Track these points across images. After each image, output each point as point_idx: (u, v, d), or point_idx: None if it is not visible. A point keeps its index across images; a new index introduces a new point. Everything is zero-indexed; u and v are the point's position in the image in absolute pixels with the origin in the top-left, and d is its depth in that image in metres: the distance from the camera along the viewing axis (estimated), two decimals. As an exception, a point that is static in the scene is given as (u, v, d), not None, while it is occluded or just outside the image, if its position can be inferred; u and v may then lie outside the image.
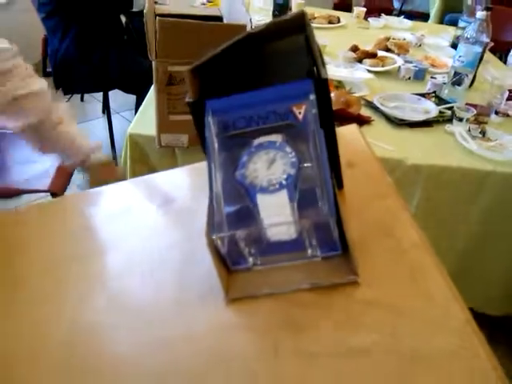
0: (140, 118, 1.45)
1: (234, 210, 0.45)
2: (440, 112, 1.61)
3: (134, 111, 2.62)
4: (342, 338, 0.43)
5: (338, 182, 0.57)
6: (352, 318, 0.45)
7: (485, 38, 1.81)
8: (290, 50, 0.53)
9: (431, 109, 1.61)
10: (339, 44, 2.09)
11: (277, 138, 0.47)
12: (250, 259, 0.49)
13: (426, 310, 0.45)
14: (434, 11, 4.20)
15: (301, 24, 0.51)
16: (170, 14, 1.08)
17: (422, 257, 0.50)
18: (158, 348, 0.45)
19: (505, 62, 2.43)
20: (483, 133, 1.54)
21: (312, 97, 0.46)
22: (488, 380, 0.39)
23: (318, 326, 0.44)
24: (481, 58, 1.86)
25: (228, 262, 0.49)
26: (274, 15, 2.43)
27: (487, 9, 1.89)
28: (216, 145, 0.47)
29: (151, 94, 1.56)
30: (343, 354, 0.42)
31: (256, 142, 0.47)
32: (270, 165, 0.45)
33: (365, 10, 2.63)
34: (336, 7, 3.58)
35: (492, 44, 2.38)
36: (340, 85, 1.71)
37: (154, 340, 0.46)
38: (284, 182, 0.44)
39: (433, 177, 1.36)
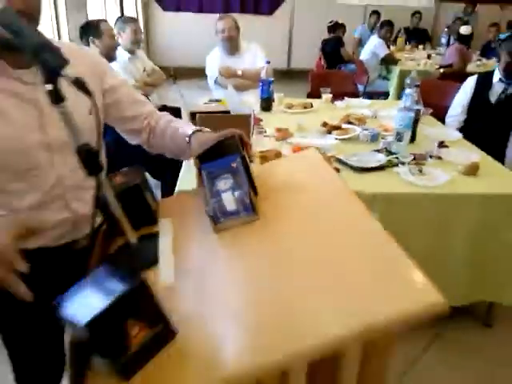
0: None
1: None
2: (389, 160, 2.26)
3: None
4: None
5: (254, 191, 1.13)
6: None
7: (415, 107, 2.51)
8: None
9: (382, 158, 2.26)
10: (313, 122, 2.78)
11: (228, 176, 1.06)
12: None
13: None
14: (392, 90, 5.05)
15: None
16: (201, 111, 1.75)
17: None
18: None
19: (443, 123, 3.14)
20: (420, 171, 2.17)
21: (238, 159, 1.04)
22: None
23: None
24: (416, 121, 2.54)
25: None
26: (261, 108, 3.15)
27: (416, 86, 2.62)
28: (205, 180, 1.04)
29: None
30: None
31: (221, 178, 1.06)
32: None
33: (331, 95, 3.37)
34: (309, 96, 4.37)
35: (431, 110, 3.12)
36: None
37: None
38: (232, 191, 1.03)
39: (385, 200, 1.98)
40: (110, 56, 2.93)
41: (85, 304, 0.65)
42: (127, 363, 0.66)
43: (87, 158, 0.78)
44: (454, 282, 2.14)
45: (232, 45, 3.63)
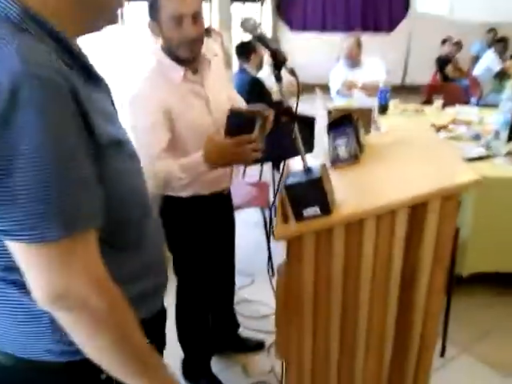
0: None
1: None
2: (487, 153, 2.70)
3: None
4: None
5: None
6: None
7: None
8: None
9: (482, 151, 2.71)
10: (422, 124, 3.28)
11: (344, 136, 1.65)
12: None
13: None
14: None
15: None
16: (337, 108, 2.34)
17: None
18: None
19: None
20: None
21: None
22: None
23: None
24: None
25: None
26: (378, 112, 3.69)
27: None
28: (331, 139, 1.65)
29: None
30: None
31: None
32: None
33: (442, 102, 3.82)
34: (423, 104, 4.80)
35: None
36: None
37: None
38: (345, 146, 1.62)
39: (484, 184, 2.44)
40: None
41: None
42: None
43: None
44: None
45: (353, 60, 4.22)
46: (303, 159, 1.26)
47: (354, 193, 1.33)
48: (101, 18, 0.82)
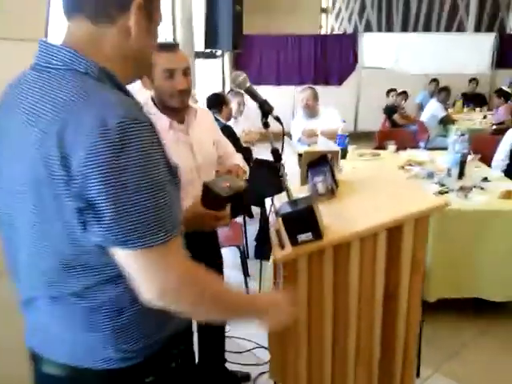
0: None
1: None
2: (440, 189, 2.99)
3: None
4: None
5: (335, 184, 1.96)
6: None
7: (462, 151, 3.25)
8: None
9: (435, 188, 2.99)
10: (380, 166, 3.58)
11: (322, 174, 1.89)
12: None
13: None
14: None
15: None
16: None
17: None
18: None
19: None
20: (465, 196, 2.89)
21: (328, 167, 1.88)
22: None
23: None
24: (463, 162, 3.26)
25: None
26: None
27: (462, 135, 3.37)
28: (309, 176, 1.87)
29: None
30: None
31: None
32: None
33: (395, 147, 4.17)
34: (376, 149, 5.18)
35: (479, 156, 3.82)
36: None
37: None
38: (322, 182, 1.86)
39: (439, 216, 2.70)
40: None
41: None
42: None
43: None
44: (496, 278, 2.78)
45: (311, 111, 4.57)
46: (289, 194, 1.46)
47: (336, 221, 1.53)
48: (143, 73, 1.04)
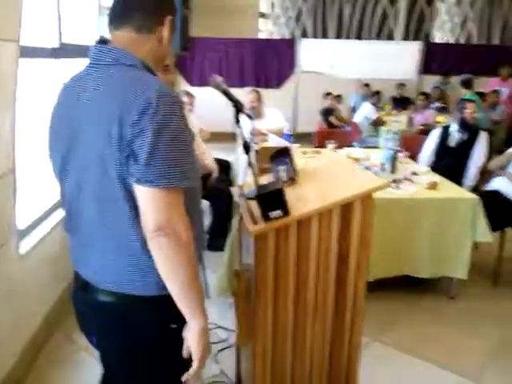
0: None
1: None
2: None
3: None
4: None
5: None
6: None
7: (394, 148, 3.67)
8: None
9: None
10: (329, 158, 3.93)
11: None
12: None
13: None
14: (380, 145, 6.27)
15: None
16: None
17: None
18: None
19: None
20: (397, 187, 3.30)
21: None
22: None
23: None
24: (395, 158, 3.69)
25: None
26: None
27: (395, 133, 3.79)
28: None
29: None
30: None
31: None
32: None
33: (334, 145, 4.57)
34: (316, 147, 5.57)
35: (408, 153, 4.28)
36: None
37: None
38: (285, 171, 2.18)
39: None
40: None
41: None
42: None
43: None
44: (424, 258, 3.21)
45: (257, 112, 4.89)
46: (256, 180, 1.74)
47: (298, 202, 1.83)
48: (157, 69, 1.33)
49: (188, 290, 1.19)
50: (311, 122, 7.83)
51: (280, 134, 4.48)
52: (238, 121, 1.83)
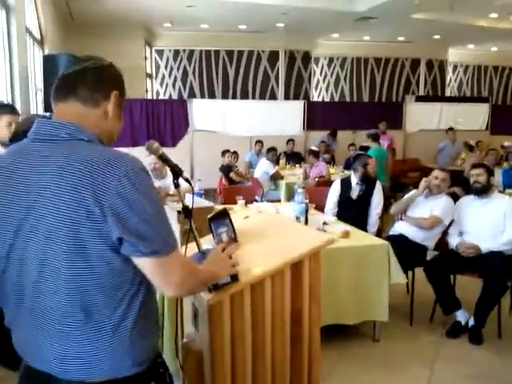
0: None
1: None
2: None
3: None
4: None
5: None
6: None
7: (305, 201, 3.81)
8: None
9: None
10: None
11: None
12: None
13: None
14: (282, 198, 6.50)
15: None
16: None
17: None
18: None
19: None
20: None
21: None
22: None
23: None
24: (306, 210, 3.82)
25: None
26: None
27: (303, 188, 3.94)
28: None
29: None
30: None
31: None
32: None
33: (244, 201, 4.62)
34: (223, 203, 5.60)
35: (314, 205, 4.45)
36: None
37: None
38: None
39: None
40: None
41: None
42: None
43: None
44: (347, 305, 3.30)
45: (159, 172, 4.82)
46: (199, 245, 1.70)
47: (246, 263, 1.80)
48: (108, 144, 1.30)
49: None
50: (209, 179, 7.88)
51: (188, 192, 4.45)
52: (177, 185, 1.77)
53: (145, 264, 1.15)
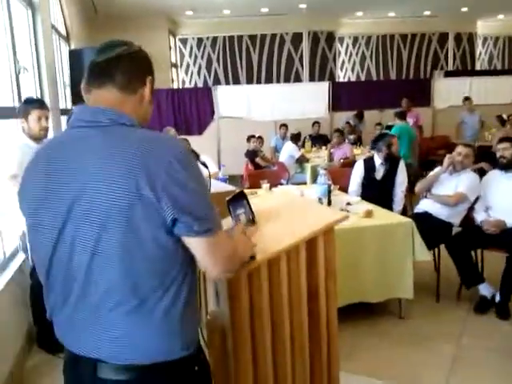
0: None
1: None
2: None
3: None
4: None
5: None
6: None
7: (327, 183, 3.85)
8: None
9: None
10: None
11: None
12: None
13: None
14: (308, 180, 6.53)
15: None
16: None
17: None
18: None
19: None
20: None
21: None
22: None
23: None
24: (329, 192, 3.86)
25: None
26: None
27: (325, 169, 3.98)
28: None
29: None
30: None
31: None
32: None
33: (268, 185, 4.69)
34: (249, 188, 5.69)
35: (338, 186, 4.47)
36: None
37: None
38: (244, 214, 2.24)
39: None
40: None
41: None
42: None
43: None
44: (371, 283, 3.34)
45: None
46: None
47: (263, 242, 1.87)
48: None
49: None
50: (235, 165, 7.97)
51: (215, 177, 4.56)
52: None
53: (197, 243, 1.18)
